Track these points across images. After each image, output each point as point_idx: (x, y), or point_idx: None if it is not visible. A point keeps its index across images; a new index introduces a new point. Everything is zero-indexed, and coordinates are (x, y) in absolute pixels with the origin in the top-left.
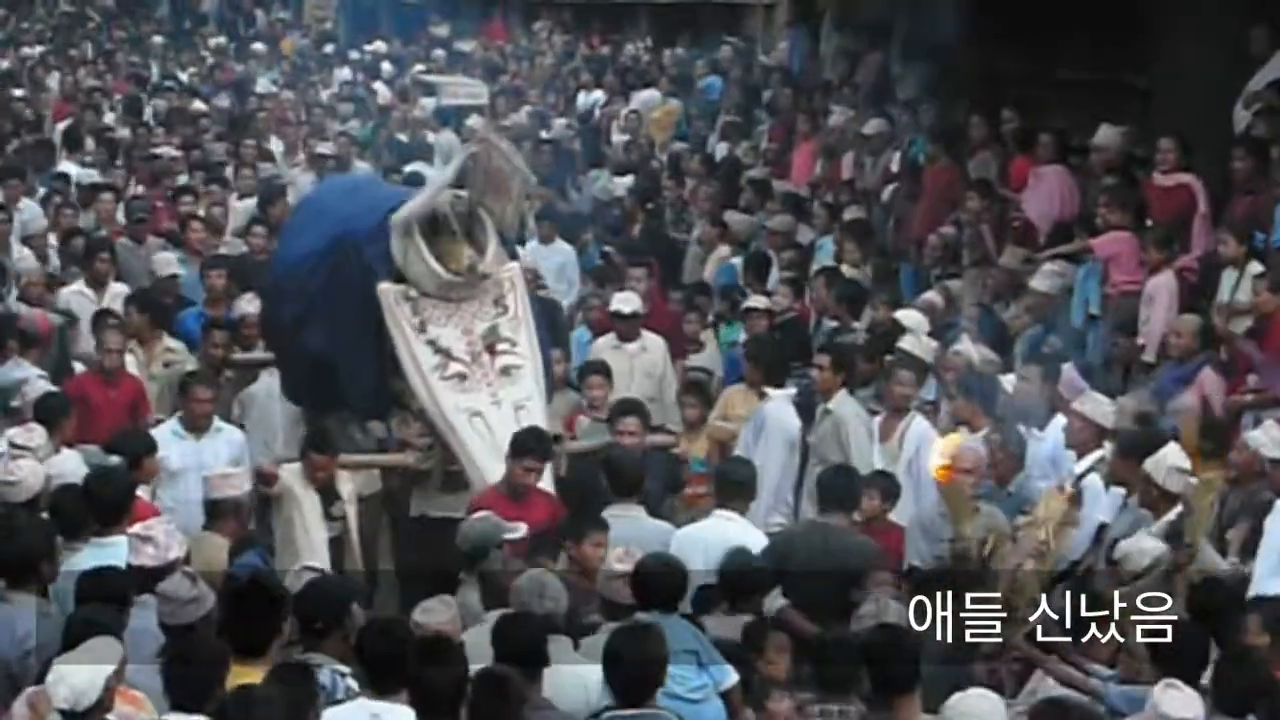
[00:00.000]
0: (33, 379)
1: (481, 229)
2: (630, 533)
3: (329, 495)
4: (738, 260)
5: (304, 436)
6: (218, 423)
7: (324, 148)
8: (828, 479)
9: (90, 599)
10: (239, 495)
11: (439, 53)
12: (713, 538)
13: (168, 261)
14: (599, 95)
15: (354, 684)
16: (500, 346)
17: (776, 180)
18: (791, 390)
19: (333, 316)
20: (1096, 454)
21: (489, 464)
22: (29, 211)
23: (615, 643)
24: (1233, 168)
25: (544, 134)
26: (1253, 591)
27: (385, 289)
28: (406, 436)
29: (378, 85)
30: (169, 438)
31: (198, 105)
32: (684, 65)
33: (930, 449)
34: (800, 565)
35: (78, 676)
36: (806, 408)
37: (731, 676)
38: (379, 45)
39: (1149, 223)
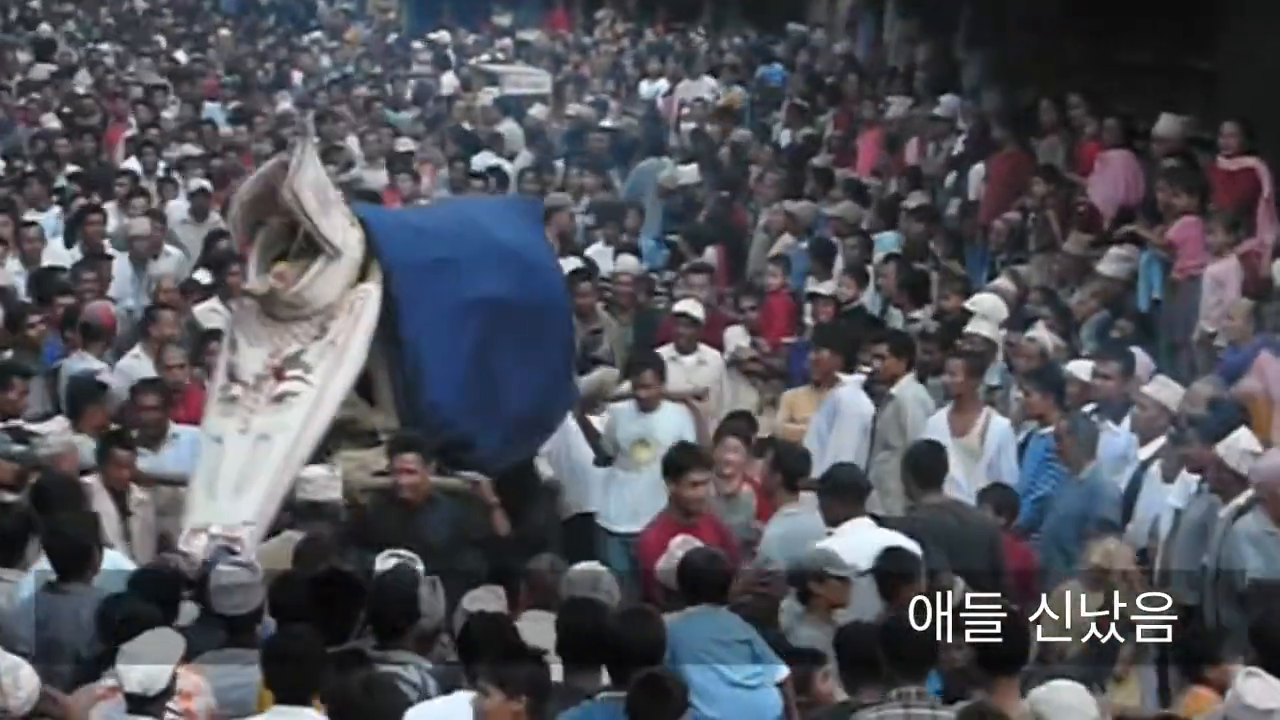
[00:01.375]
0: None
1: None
2: (797, 530)
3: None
4: (803, 246)
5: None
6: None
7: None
8: (920, 454)
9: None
10: (336, 499)
11: (506, 42)
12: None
13: None
14: (662, 84)
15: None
16: (290, 372)
17: (841, 168)
18: (861, 376)
19: None
20: (1160, 441)
21: (197, 496)
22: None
23: (612, 625)
24: None
25: (606, 123)
26: None
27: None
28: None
29: (445, 76)
30: None
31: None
32: (747, 53)
33: (1011, 450)
34: (942, 547)
35: (147, 663)
36: (872, 395)
37: (783, 669)
38: (443, 35)
39: (1211, 207)
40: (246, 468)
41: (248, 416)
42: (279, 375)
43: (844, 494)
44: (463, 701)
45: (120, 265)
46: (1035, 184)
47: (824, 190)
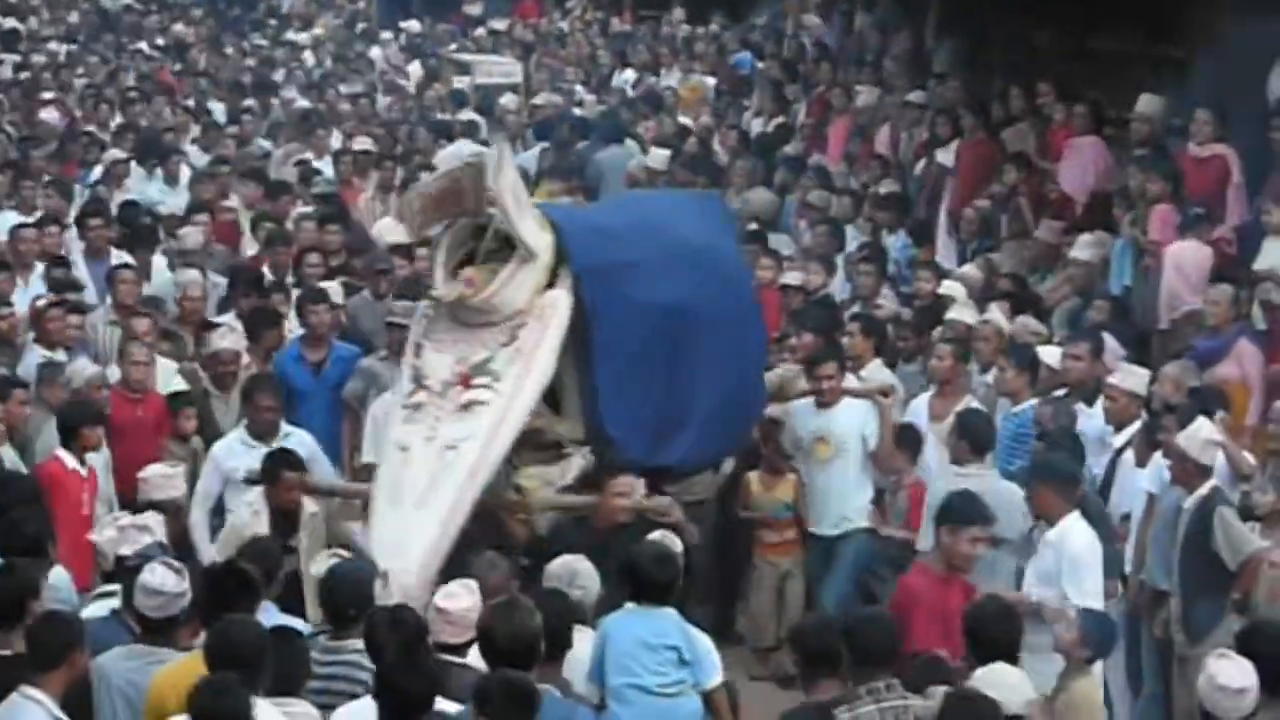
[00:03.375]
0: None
1: (510, 255)
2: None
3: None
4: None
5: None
6: (285, 427)
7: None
8: (970, 421)
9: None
10: (178, 497)
11: (480, 32)
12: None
13: None
14: (631, 73)
15: None
16: (478, 380)
17: (813, 155)
18: None
19: None
20: (1134, 427)
21: (379, 505)
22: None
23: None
24: (1271, 138)
25: (577, 112)
26: None
27: (420, 305)
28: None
29: (412, 66)
30: (237, 447)
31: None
32: (717, 41)
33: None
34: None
35: None
36: None
37: (716, 677)
38: (413, 24)
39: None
40: (433, 477)
41: (434, 424)
42: (466, 383)
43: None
44: None
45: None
46: (1006, 171)
47: (795, 179)
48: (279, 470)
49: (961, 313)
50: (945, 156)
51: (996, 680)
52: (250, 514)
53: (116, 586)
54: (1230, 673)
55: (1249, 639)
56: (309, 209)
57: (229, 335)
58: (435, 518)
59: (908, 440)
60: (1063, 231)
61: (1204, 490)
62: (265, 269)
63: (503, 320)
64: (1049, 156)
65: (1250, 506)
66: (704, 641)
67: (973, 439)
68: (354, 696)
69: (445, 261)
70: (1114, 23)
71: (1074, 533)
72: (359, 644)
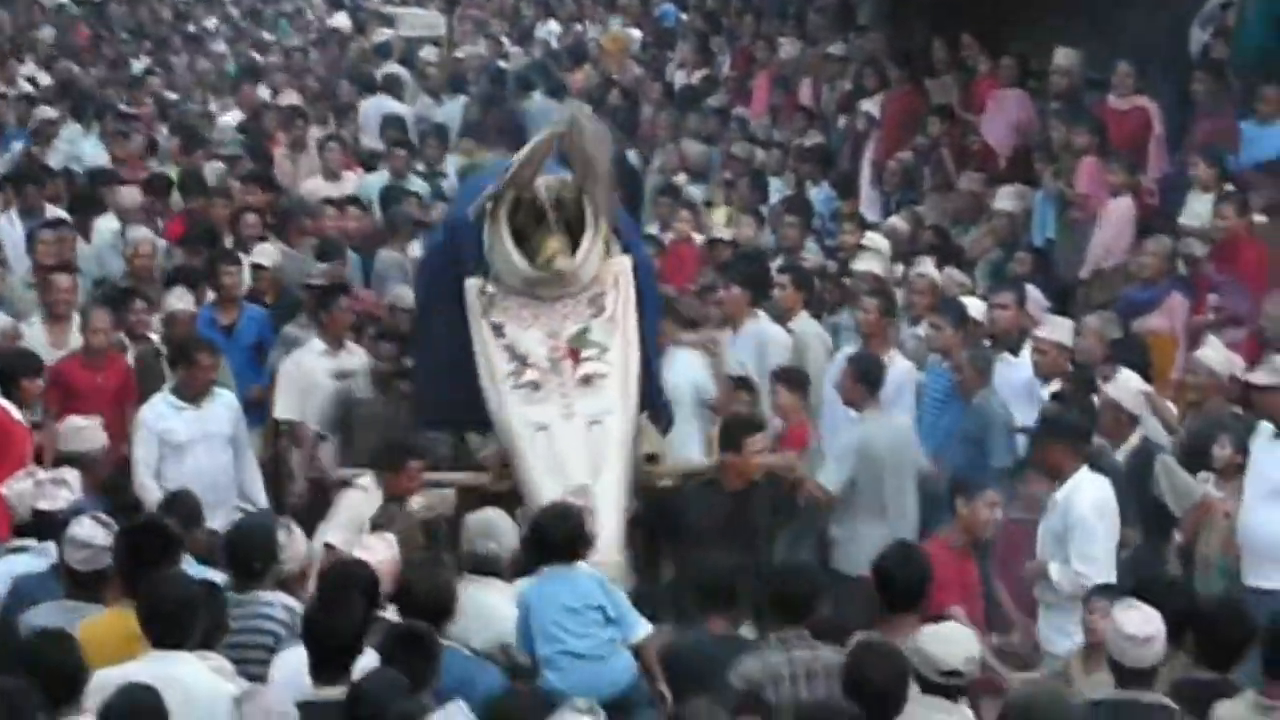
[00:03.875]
0: None
1: (582, 220)
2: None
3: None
4: (696, 189)
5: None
6: (214, 389)
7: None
8: (862, 364)
9: None
10: (96, 450)
11: None
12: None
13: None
14: (555, 25)
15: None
16: (586, 353)
17: (737, 108)
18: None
19: (431, 318)
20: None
21: (546, 484)
22: None
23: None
24: (1192, 90)
25: (501, 64)
26: (1243, 517)
27: (470, 284)
28: (483, 455)
29: (337, 17)
30: (166, 410)
31: None
32: None
33: (909, 391)
34: None
35: None
36: None
37: (642, 629)
38: None
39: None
40: (591, 452)
41: (566, 401)
42: (574, 357)
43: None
44: None
45: None
46: (930, 123)
47: (721, 131)
48: (404, 459)
49: (870, 264)
50: (870, 108)
51: (942, 635)
52: (361, 495)
53: (30, 541)
54: (1137, 622)
55: (1147, 589)
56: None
57: (185, 296)
58: (614, 489)
59: (797, 382)
60: (985, 183)
61: (1135, 440)
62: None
63: (580, 290)
64: (973, 109)
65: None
66: (624, 596)
67: (867, 381)
68: (263, 648)
69: (506, 232)
70: None
71: (1080, 490)
72: (266, 596)
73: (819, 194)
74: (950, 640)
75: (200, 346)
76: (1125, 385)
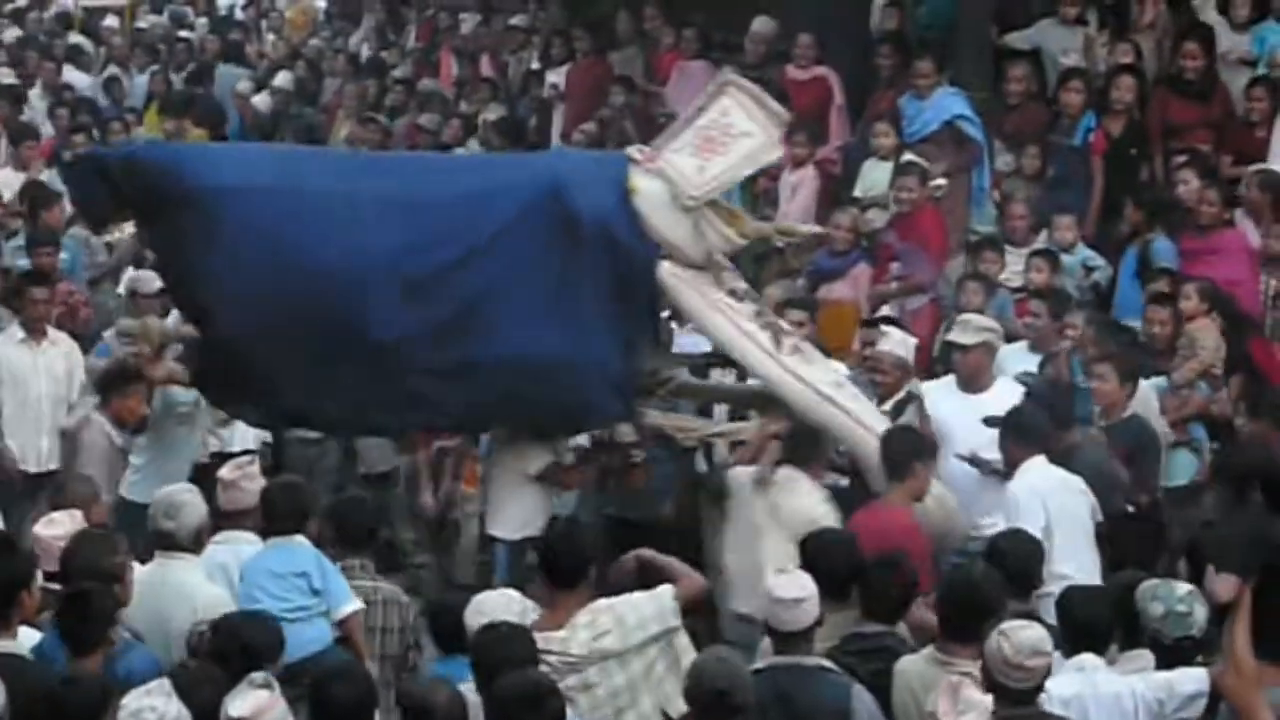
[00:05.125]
0: None
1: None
2: None
3: None
4: None
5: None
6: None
7: None
8: None
9: None
10: None
11: None
12: None
13: None
14: None
15: None
16: (771, 322)
17: (423, 80)
18: None
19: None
20: None
21: (879, 422)
22: None
23: None
24: (877, 63)
25: (182, 34)
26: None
27: (669, 269)
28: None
29: None
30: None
31: None
32: None
33: None
34: None
35: None
36: None
37: (349, 605)
38: None
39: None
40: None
41: (829, 369)
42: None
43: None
44: None
45: None
46: (614, 94)
47: (407, 102)
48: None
49: None
50: (556, 79)
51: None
52: None
53: None
54: (785, 585)
55: (805, 551)
56: None
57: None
58: None
59: None
60: None
61: (902, 393)
62: None
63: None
64: (657, 79)
65: None
66: (338, 573)
67: None
68: None
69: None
70: None
71: (1020, 475)
72: None
73: None
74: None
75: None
76: (896, 338)
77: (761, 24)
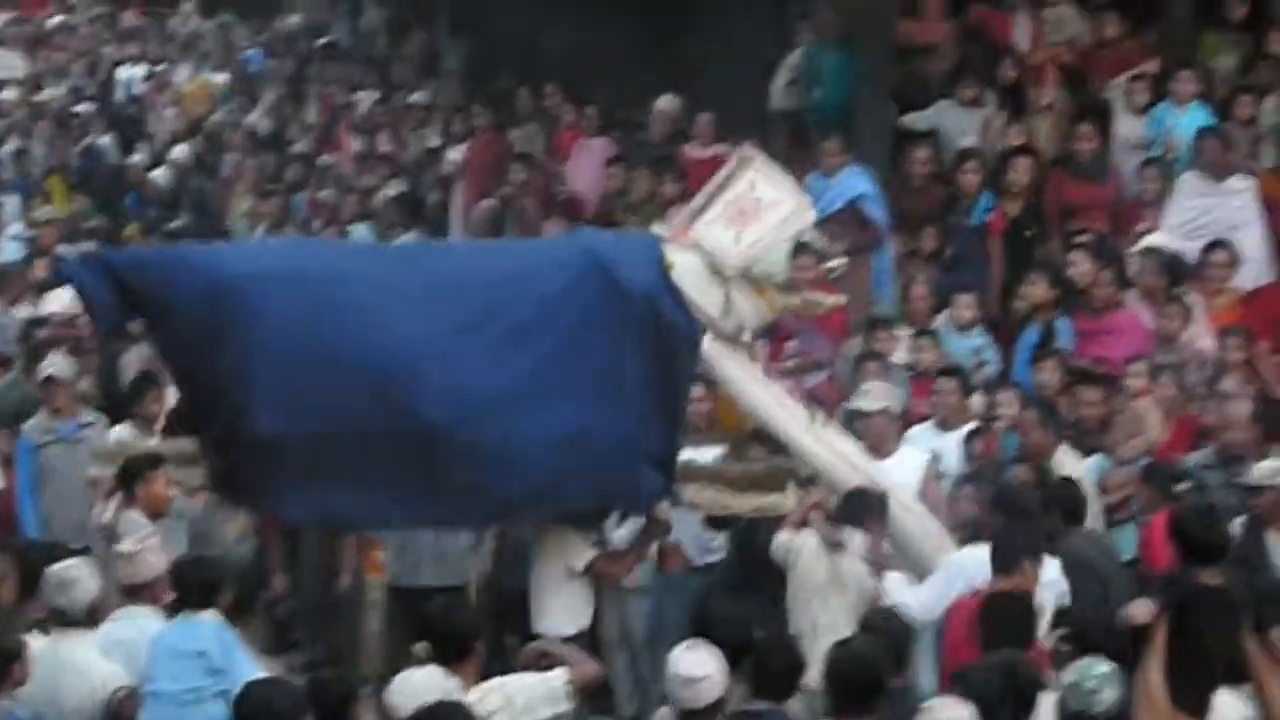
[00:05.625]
0: None
1: None
2: None
3: None
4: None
5: None
6: None
7: None
8: None
9: None
10: None
11: None
12: None
13: None
14: (139, 70)
15: None
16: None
17: (323, 155)
18: None
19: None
20: None
21: (908, 495)
22: None
23: None
24: (771, 141)
25: (76, 109)
26: None
27: (712, 343)
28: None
29: None
30: None
31: None
32: (227, 35)
33: None
34: None
35: None
36: None
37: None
38: None
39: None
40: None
41: (849, 445)
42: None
43: None
44: None
45: None
46: (514, 171)
47: (307, 178)
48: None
49: None
50: (456, 155)
51: None
52: None
53: None
54: (689, 663)
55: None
56: None
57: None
58: None
59: None
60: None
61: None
62: None
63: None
64: (558, 157)
65: None
66: (242, 652)
67: None
68: None
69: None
70: (623, 23)
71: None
72: None
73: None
74: None
75: None
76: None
77: (665, 102)
